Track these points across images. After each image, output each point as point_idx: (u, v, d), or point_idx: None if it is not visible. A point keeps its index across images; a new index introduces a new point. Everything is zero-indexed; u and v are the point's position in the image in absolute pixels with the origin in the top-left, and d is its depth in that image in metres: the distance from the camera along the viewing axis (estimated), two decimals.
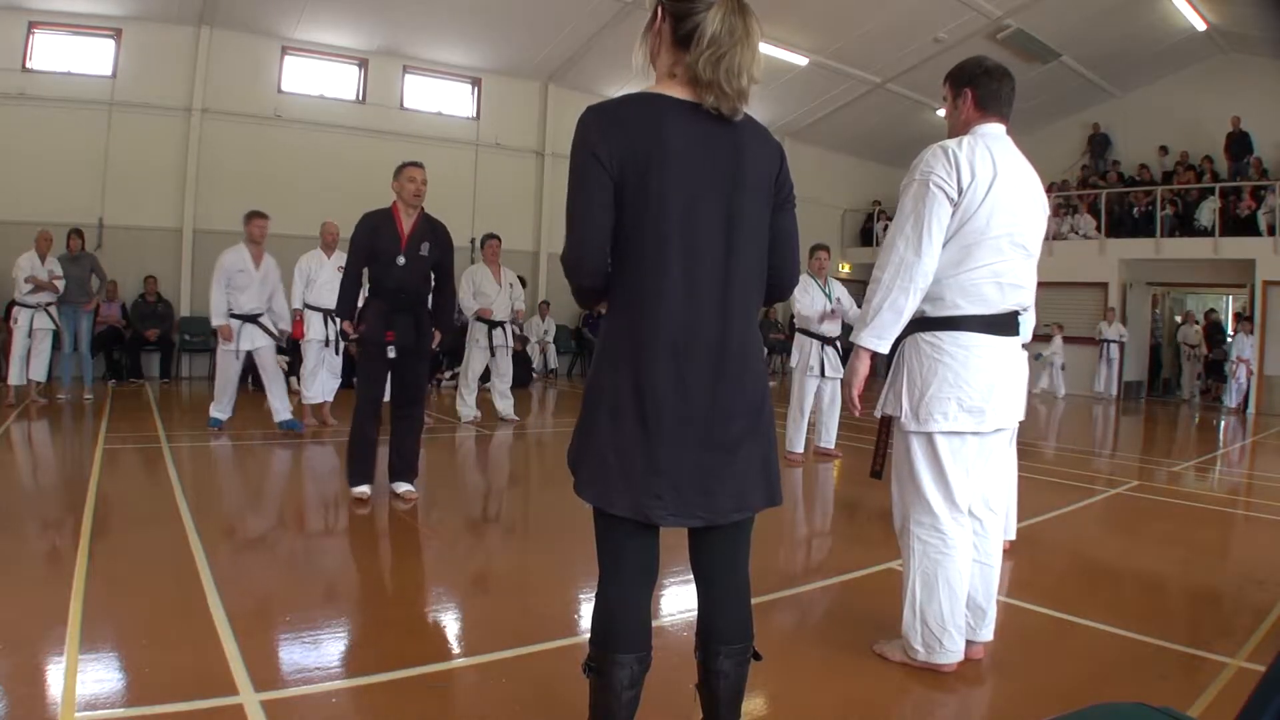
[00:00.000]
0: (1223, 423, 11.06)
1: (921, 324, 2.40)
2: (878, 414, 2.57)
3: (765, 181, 1.65)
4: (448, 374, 10.24)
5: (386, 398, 4.48)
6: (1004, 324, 2.39)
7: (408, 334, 4.23)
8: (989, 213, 2.28)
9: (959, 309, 2.34)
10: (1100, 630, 2.88)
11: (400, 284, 4.20)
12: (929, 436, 2.38)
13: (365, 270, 4.35)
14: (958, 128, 2.45)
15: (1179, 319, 14.90)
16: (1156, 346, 14.92)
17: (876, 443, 2.64)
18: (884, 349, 2.38)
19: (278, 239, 10.23)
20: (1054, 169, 15.25)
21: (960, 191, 2.27)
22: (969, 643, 2.49)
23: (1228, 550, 4.49)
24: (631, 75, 1.66)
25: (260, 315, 6.52)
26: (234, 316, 6.36)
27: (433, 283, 4.43)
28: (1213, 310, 15.32)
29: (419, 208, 4.26)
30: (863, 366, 2.41)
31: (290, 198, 10.50)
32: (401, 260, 4.16)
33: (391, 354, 4.19)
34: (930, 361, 2.36)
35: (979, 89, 2.41)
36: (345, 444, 4.43)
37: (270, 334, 6.58)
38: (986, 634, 2.55)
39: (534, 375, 11.94)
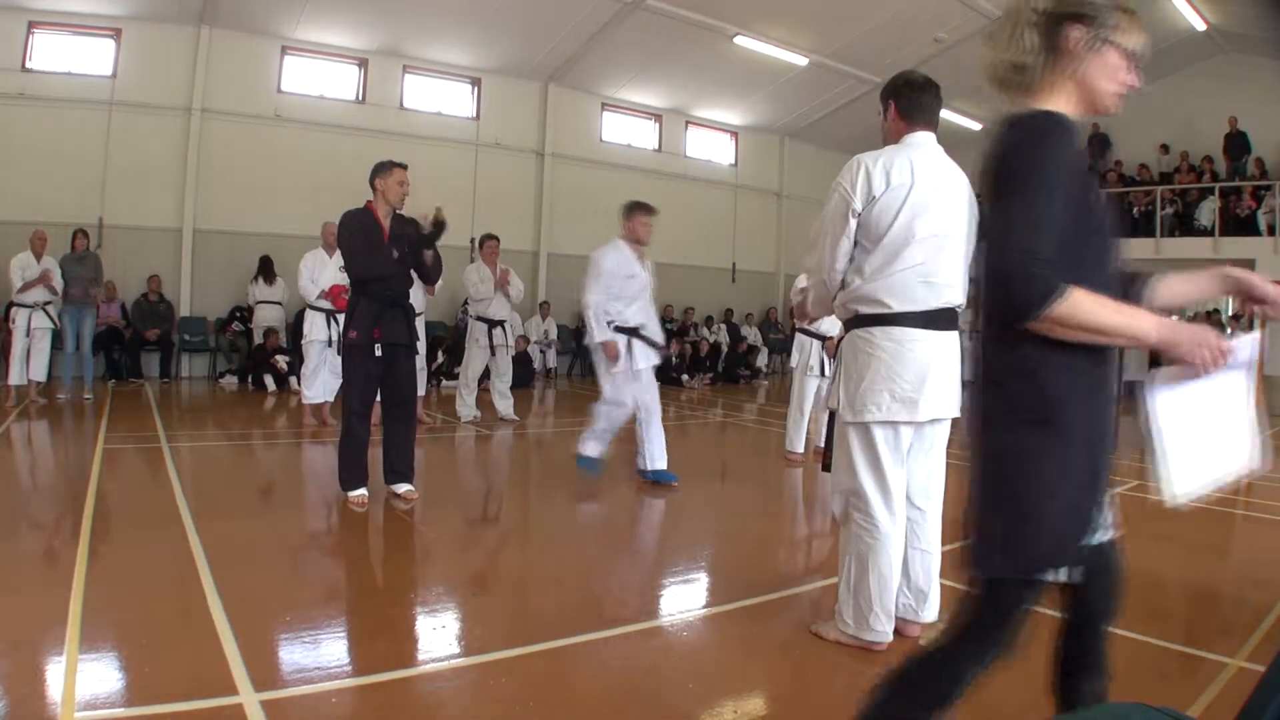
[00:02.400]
0: None
1: (857, 321, 2.54)
2: (825, 411, 2.70)
3: None
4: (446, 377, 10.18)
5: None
6: (938, 319, 2.50)
7: (399, 330, 4.26)
8: (910, 216, 2.42)
9: (889, 307, 2.46)
10: None
11: (386, 280, 4.24)
12: (865, 427, 2.51)
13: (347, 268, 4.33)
14: (889, 137, 2.61)
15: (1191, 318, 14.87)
16: None
17: (826, 438, 2.77)
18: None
19: (278, 239, 10.35)
20: None
21: (868, 200, 2.44)
22: (911, 622, 2.68)
23: (1228, 550, 4.48)
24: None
25: (643, 328, 5.17)
26: (619, 330, 5.04)
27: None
28: (1215, 310, 15.28)
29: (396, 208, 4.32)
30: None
31: (290, 198, 10.53)
32: None
33: (378, 352, 4.18)
34: (864, 356, 2.50)
35: (900, 100, 2.58)
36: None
37: (659, 349, 5.31)
38: (929, 615, 2.69)
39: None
